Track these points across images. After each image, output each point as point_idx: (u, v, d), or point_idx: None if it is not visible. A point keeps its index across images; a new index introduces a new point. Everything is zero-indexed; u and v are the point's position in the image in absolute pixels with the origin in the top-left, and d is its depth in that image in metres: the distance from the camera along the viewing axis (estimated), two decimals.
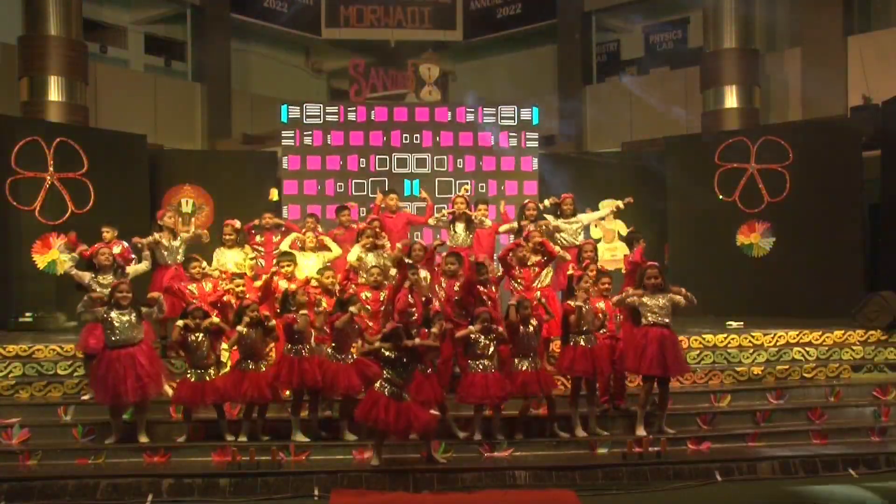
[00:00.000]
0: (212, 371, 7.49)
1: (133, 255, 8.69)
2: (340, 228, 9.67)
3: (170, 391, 7.81)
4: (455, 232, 9.43)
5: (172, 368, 8.15)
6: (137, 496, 6.71)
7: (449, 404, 7.75)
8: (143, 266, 8.44)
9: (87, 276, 7.95)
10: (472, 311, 7.72)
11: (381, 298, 7.88)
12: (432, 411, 7.33)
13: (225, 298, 8.02)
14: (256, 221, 9.62)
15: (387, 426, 6.82)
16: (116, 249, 8.66)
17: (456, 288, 8.05)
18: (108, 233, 8.87)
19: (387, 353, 6.86)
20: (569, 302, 7.80)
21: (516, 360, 7.61)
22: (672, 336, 7.81)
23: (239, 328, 7.41)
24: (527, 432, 7.80)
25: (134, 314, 7.33)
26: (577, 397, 7.82)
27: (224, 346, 7.89)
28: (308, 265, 8.54)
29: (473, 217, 9.43)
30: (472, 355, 7.50)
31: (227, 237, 8.90)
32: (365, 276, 8.17)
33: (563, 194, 9.77)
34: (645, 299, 7.76)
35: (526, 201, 9.71)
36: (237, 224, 9.03)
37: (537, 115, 12.98)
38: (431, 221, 9.83)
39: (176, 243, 8.90)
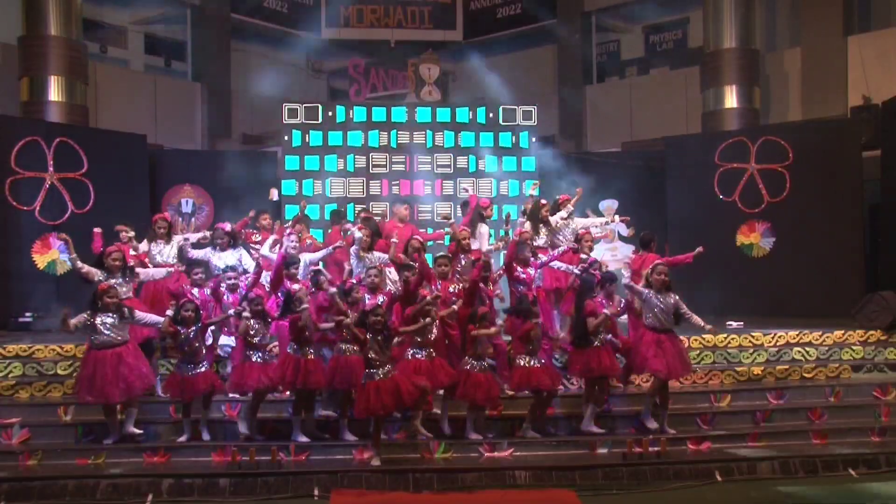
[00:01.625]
0: (203, 366, 7.52)
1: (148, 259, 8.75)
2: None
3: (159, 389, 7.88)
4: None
5: (170, 367, 8.15)
6: (137, 496, 6.71)
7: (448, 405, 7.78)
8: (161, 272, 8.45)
9: (96, 273, 7.85)
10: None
11: (380, 301, 7.75)
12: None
13: (221, 288, 8.16)
14: (252, 213, 9.64)
15: (386, 409, 6.94)
16: (133, 252, 8.75)
17: (452, 289, 8.04)
18: (125, 233, 8.90)
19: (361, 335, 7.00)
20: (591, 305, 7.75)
21: (524, 357, 7.64)
22: (672, 338, 7.84)
23: (245, 315, 7.44)
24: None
25: (118, 316, 7.32)
26: (592, 396, 7.83)
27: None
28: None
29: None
30: (474, 355, 7.52)
31: (219, 241, 8.90)
32: (363, 277, 8.15)
33: (561, 195, 9.81)
34: (650, 297, 7.78)
35: (542, 202, 9.65)
36: (227, 227, 9.00)
37: (537, 116, 13.00)
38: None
39: (168, 248, 8.86)
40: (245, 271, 8.60)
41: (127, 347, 7.36)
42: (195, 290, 8.18)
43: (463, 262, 8.58)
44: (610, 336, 7.90)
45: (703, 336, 9.28)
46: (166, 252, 8.83)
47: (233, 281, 8.34)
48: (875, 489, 6.91)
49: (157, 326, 7.62)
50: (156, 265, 8.72)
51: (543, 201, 9.59)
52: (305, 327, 7.41)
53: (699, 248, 8.69)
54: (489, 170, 12.70)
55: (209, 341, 7.91)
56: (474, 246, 9.28)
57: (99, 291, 7.37)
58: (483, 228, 9.48)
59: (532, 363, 7.62)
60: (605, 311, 7.72)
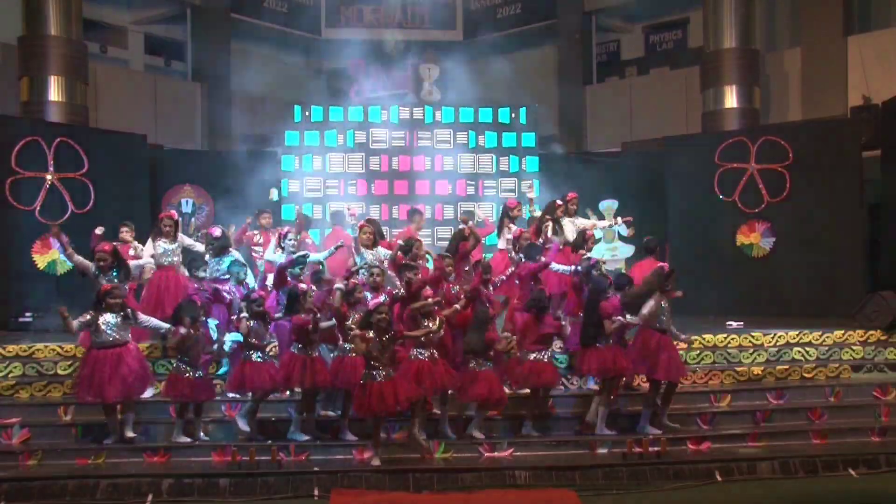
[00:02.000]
0: (202, 370, 7.53)
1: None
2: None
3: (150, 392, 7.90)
4: None
5: (168, 367, 8.14)
6: (137, 496, 6.72)
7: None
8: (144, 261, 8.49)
9: (92, 266, 7.87)
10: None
11: (382, 300, 7.69)
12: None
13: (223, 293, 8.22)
14: (249, 220, 9.66)
15: (387, 411, 6.97)
16: (132, 252, 8.89)
17: (455, 290, 8.06)
18: (126, 232, 8.89)
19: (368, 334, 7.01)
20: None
21: (535, 353, 7.75)
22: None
23: (243, 315, 7.46)
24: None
25: (121, 316, 7.33)
26: (606, 397, 7.84)
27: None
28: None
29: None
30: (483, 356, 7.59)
31: (209, 246, 8.78)
32: (365, 274, 8.14)
33: (569, 193, 9.82)
34: (660, 299, 7.86)
35: (559, 203, 9.62)
36: (216, 232, 8.88)
37: (537, 116, 13.00)
38: None
39: (173, 246, 8.86)
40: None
41: (127, 348, 7.37)
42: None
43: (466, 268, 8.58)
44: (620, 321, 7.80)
45: (703, 336, 9.30)
46: (170, 250, 8.83)
47: (241, 275, 8.39)
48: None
49: (160, 331, 7.61)
50: (158, 265, 8.75)
51: (560, 202, 9.60)
52: (312, 328, 7.41)
53: (680, 293, 8.57)
54: (486, 170, 12.71)
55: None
56: (501, 246, 9.33)
57: (102, 292, 7.37)
58: (511, 229, 9.47)
59: (544, 358, 7.73)
60: (620, 318, 7.73)
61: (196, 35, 17.63)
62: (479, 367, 7.53)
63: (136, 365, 7.38)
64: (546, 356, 7.78)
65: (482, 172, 12.71)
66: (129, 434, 7.45)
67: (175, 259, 8.86)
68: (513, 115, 12.85)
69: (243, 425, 7.62)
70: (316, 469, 7.07)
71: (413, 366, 7.32)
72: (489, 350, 7.56)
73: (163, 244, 8.84)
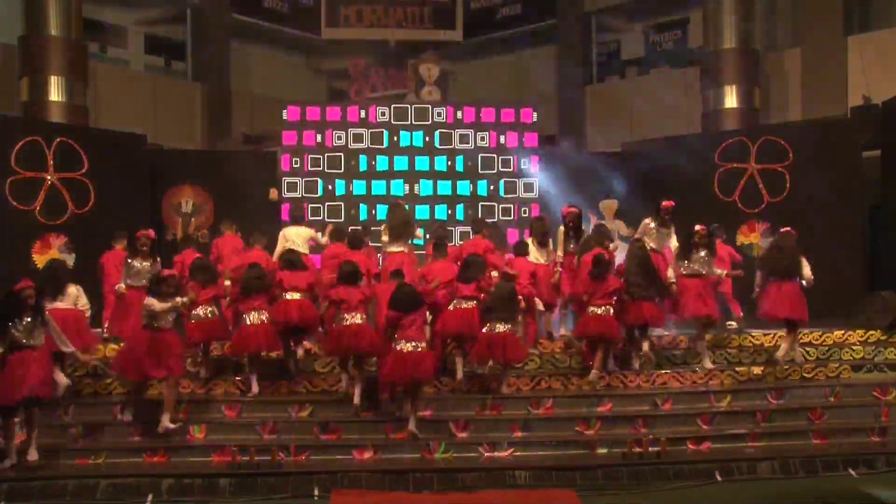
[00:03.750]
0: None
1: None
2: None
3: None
4: None
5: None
6: (137, 496, 6.72)
7: None
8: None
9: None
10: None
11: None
12: None
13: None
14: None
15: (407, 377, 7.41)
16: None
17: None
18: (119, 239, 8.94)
19: None
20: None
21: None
22: None
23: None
24: None
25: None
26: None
27: None
28: None
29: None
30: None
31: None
32: None
33: (664, 201, 9.75)
34: None
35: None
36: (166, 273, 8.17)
37: (537, 116, 13.01)
38: None
39: (146, 264, 8.60)
40: None
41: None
42: None
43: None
44: None
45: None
46: (145, 270, 8.54)
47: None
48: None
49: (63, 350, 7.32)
50: (130, 283, 8.55)
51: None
52: None
53: None
54: (488, 170, 12.72)
55: None
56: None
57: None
58: (652, 225, 9.61)
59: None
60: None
61: (196, 35, 17.64)
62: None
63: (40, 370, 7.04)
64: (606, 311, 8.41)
65: (482, 173, 12.71)
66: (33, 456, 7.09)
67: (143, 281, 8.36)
68: (513, 116, 12.84)
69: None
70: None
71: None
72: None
73: (138, 264, 8.59)
